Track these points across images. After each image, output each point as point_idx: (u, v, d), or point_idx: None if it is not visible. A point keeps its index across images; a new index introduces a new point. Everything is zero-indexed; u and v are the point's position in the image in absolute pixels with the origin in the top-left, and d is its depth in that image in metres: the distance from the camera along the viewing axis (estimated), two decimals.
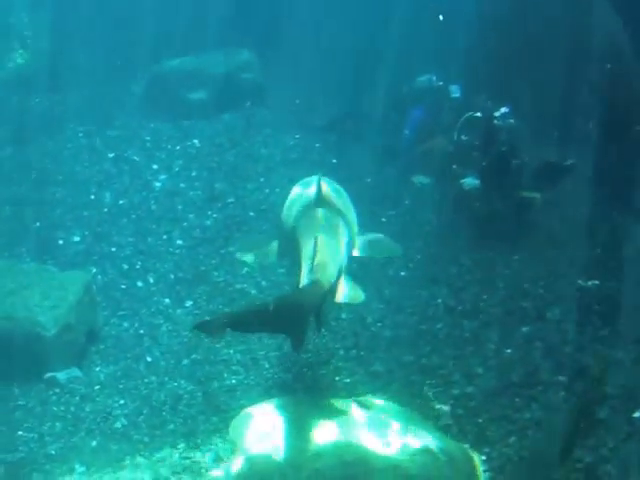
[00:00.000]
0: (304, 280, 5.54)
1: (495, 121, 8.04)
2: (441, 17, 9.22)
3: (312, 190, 6.21)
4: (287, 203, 6.53)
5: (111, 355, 7.17)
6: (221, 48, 11.57)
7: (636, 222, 8.10)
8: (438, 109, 9.07)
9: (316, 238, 5.66)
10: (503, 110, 8.05)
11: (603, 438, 5.69)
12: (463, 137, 8.15)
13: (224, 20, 11.45)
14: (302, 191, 6.46)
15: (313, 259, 5.53)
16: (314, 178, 6.36)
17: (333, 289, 5.68)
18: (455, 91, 8.69)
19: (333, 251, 5.78)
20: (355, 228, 6.34)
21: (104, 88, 11.28)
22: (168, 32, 11.57)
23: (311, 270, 5.52)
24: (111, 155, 10.13)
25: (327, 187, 6.30)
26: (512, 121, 8.06)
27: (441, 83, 9.02)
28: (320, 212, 6.06)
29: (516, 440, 5.79)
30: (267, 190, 9.35)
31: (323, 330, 6.40)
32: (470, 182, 8.19)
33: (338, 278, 5.73)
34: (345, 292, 5.82)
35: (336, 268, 5.69)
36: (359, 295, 5.92)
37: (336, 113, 10.58)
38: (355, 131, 10.10)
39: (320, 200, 6.11)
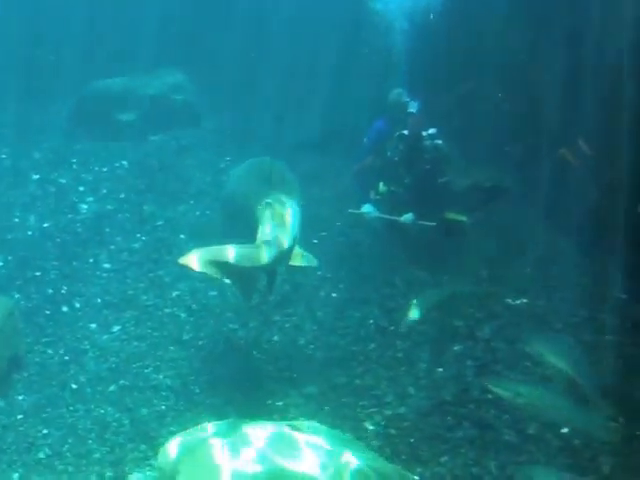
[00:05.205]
0: (258, 242, 6.10)
1: (423, 140, 8.05)
2: None
3: (262, 168, 7.01)
4: (236, 180, 7.34)
5: (35, 383, 6.93)
6: (154, 69, 11.44)
7: (564, 240, 8.25)
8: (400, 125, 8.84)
9: (268, 208, 6.29)
10: (431, 130, 8.07)
11: (535, 454, 5.77)
12: (389, 154, 8.12)
13: (159, 41, 11.34)
14: (251, 168, 7.25)
15: (266, 226, 6.16)
16: (262, 159, 7.25)
17: (287, 253, 6.27)
18: (412, 107, 8.49)
19: (285, 219, 6.35)
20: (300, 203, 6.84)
21: (29, 109, 11.04)
22: (98, 52, 11.43)
23: (264, 234, 6.14)
24: (36, 177, 9.91)
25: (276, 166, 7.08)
26: (440, 142, 8.09)
27: (408, 100, 8.75)
28: (271, 187, 6.66)
29: (448, 459, 5.79)
30: (198, 212, 9.25)
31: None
32: (368, 209, 8.19)
33: (292, 244, 6.31)
34: (300, 257, 6.54)
35: (289, 235, 6.26)
36: (312, 260, 6.67)
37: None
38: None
39: (271, 177, 6.77)
